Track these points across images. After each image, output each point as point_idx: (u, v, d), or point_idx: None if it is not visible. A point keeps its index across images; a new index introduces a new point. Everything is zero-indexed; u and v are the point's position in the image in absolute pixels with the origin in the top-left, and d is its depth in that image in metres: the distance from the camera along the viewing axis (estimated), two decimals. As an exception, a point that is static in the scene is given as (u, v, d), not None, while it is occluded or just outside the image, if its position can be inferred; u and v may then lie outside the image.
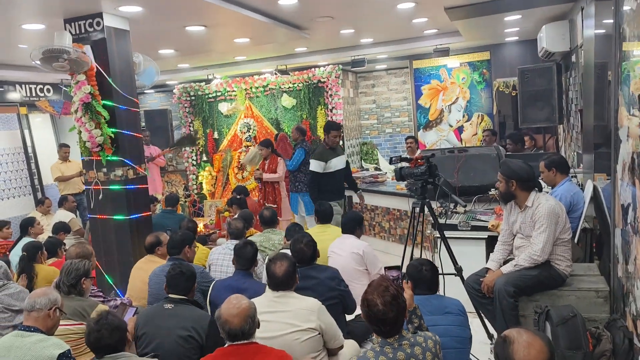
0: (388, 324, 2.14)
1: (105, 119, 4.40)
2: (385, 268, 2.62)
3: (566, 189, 3.98)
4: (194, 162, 9.26)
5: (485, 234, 4.26)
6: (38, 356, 2.52)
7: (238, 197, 6.61)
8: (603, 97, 4.57)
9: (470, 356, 3.02)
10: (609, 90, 3.73)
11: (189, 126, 9.20)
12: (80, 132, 4.46)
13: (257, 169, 7.05)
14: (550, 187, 4.16)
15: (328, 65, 8.38)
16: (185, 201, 8.69)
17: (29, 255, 4.40)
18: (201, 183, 9.15)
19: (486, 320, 3.67)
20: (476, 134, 8.37)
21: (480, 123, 8.36)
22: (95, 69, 4.39)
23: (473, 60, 8.34)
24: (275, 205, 6.67)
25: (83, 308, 3.25)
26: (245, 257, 3.54)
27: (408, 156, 3.84)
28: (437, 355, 2.25)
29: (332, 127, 5.85)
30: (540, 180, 3.84)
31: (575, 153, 6.05)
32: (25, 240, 5.29)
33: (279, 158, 6.78)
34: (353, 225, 4.21)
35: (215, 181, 8.99)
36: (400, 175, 3.83)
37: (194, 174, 9.28)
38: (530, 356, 1.59)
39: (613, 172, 3.43)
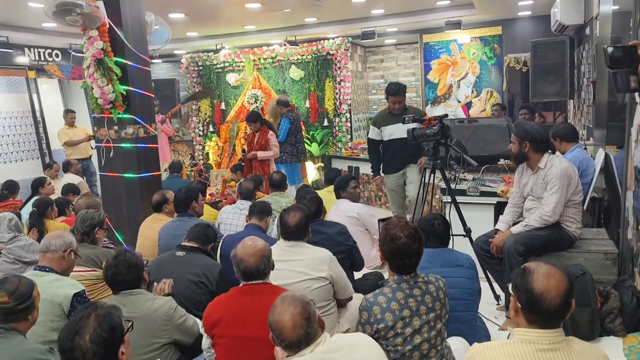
0: (413, 256, 2.20)
1: (117, 75, 4.39)
2: (379, 220, 2.64)
3: (576, 155, 3.99)
4: (201, 133, 9.27)
5: (494, 200, 4.27)
6: (54, 295, 2.56)
7: (242, 163, 6.66)
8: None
9: (485, 325, 3.07)
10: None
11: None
12: (92, 89, 4.45)
13: (243, 151, 6.69)
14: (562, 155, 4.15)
15: (337, 37, 8.33)
16: (192, 170, 8.72)
17: (39, 210, 4.45)
18: (208, 153, 9.17)
19: (493, 282, 3.70)
20: (484, 109, 8.33)
21: (489, 99, 8.32)
22: (107, 25, 4.37)
23: (484, 35, 8.27)
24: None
25: (96, 256, 3.29)
26: (259, 208, 3.59)
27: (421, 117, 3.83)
28: (447, 295, 2.31)
29: (389, 90, 4.91)
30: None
31: (585, 127, 6.03)
32: (36, 199, 5.33)
33: (269, 132, 6.41)
34: (338, 189, 4.36)
35: (221, 152, 9.01)
36: (412, 136, 3.83)
37: (200, 144, 9.29)
38: (550, 285, 1.59)
39: (627, 135, 3.43)
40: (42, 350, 2.03)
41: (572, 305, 1.63)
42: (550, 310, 1.59)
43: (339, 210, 4.22)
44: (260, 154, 6.32)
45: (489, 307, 3.65)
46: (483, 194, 4.33)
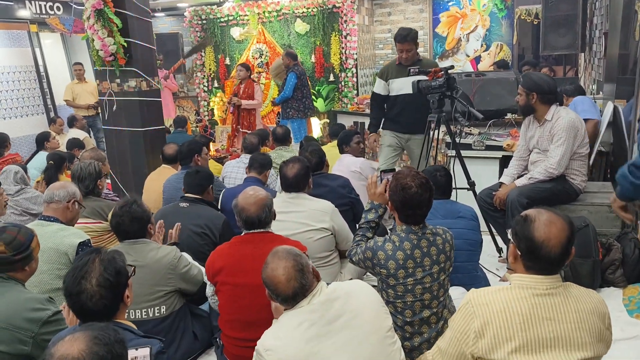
0: (424, 206, 2.20)
1: (117, 27, 4.32)
2: (381, 171, 2.62)
3: (580, 100, 3.96)
4: (205, 89, 9.17)
5: (499, 154, 4.23)
6: (59, 244, 2.59)
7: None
8: (629, 24, 4.42)
9: (485, 274, 3.10)
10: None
11: (201, 51, 9.05)
12: (92, 41, 4.39)
13: (234, 95, 6.62)
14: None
15: (344, -11, 8.09)
16: (197, 127, 8.69)
17: (56, 164, 4.44)
18: (212, 109, 9.11)
19: (496, 235, 3.71)
20: (492, 65, 8.16)
21: (499, 53, 8.13)
22: (107, -26, 4.27)
23: (495, -14, 8.01)
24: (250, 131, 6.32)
25: (101, 208, 3.32)
26: (260, 161, 3.57)
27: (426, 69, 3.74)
28: (452, 248, 2.31)
29: (396, 37, 4.24)
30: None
31: (595, 81, 5.91)
32: (42, 154, 5.35)
33: (255, 84, 6.53)
34: (341, 143, 4.30)
35: (226, 108, 8.93)
36: (417, 87, 3.76)
37: (205, 100, 9.22)
38: (550, 234, 1.57)
39: (637, 87, 3.36)
40: (40, 300, 2.05)
41: (571, 253, 1.62)
42: (550, 258, 1.58)
43: (342, 165, 4.20)
44: (245, 102, 6.40)
45: (490, 259, 3.68)
46: (488, 147, 4.29)
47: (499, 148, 4.23)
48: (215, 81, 9.11)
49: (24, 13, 7.93)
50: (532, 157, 3.50)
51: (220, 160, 6.23)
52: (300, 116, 6.74)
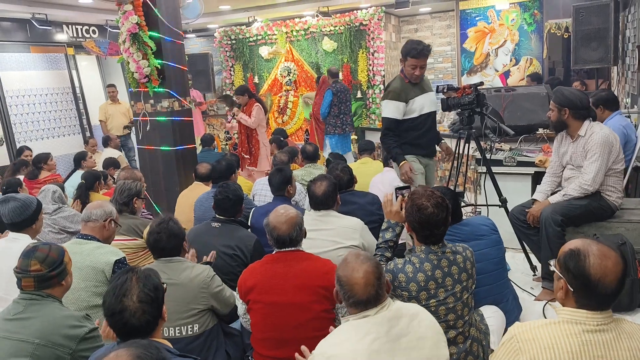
0: (441, 225, 2.17)
1: (151, 49, 4.45)
2: (396, 189, 2.60)
3: (617, 121, 3.84)
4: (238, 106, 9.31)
5: (531, 170, 4.17)
6: (96, 262, 2.65)
7: (277, 137, 6.71)
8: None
9: (512, 284, 3.03)
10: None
11: (230, 70, 9.22)
12: (128, 63, 4.53)
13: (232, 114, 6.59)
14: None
15: (371, 7, 8.17)
16: (227, 144, 8.82)
17: (87, 183, 4.58)
18: (242, 127, 9.23)
19: (529, 253, 3.64)
20: (523, 79, 8.06)
21: (529, 67, 8.05)
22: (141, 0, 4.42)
23: (524, 0, 7.95)
24: (248, 157, 6.42)
25: (136, 225, 3.39)
26: (274, 183, 3.59)
27: (455, 85, 3.72)
28: (474, 265, 2.28)
29: (410, 51, 3.71)
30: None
31: (629, 95, 5.78)
32: (79, 172, 5.51)
33: (255, 104, 6.25)
34: (386, 159, 4.25)
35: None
36: (446, 105, 3.75)
37: (234, 117, 9.35)
38: (607, 269, 1.49)
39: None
40: (78, 317, 2.09)
41: (625, 285, 1.55)
42: (607, 294, 1.51)
43: (384, 179, 4.14)
44: (241, 115, 6.24)
45: (524, 277, 3.62)
46: (520, 164, 4.23)
47: (531, 164, 4.18)
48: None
49: (61, 37, 8.25)
50: (565, 174, 3.44)
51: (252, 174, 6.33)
52: (337, 132, 6.92)
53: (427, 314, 1.85)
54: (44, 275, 2.09)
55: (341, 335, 1.74)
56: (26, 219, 2.92)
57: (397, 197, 2.55)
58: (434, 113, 3.89)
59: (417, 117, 3.79)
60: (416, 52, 3.66)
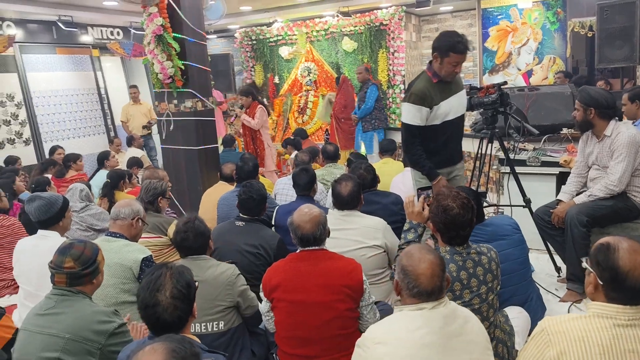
0: (467, 226, 2.17)
1: (175, 50, 4.51)
2: (418, 190, 2.59)
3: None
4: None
5: (556, 170, 4.12)
6: (124, 259, 2.71)
7: (293, 138, 6.77)
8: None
9: (537, 286, 3.01)
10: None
11: (250, 70, 9.29)
12: (152, 64, 4.60)
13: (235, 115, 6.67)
14: (630, 122, 3.95)
15: (391, 6, 8.15)
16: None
17: (112, 182, 4.67)
18: (262, 127, 9.29)
19: (554, 253, 3.61)
20: (546, 77, 7.96)
21: (552, 66, 7.93)
22: (166, 2, 4.48)
23: (547, -1, 7.85)
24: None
25: (161, 223, 3.46)
26: (301, 183, 3.61)
27: (478, 85, 3.69)
28: (499, 266, 2.27)
29: (455, 47, 3.12)
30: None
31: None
32: (103, 172, 5.62)
33: (259, 106, 6.34)
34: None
35: (275, 125, 9.11)
36: (469, 104, 3.72)
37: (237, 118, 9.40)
38: (636, 262, 1.51)
39: None
40: (107, 313, 2.14)
41: None
42: (636, 288, 1.51)
43: (405, 178, 4.10)
44: (243, 116, 6.34)
45: (549, 279, 3.58)
46: (544, 164, 4.19)
47: (556, 164, 4.13)
48: (265, 99, 9.31)
49: (86, 38, 8.40)
50: (591, 174, 3.40)
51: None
52: (383, 125, 7.33)
53: (477, 320, 1.83)
54: (77, 273, 2.14)
55: (394, 324, 1.73)
56: (52, 217, 2.98)
57: (419, 197, 2.55)
58: (460, 117, 3.42)
59: (439, 124, 3.29)
60: (462, 46, 3.13)
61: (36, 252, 2.90)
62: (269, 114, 6.65)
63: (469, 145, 5.92)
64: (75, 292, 2.16)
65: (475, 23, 8.70)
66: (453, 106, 3.30)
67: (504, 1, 8.13)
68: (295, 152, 6.50)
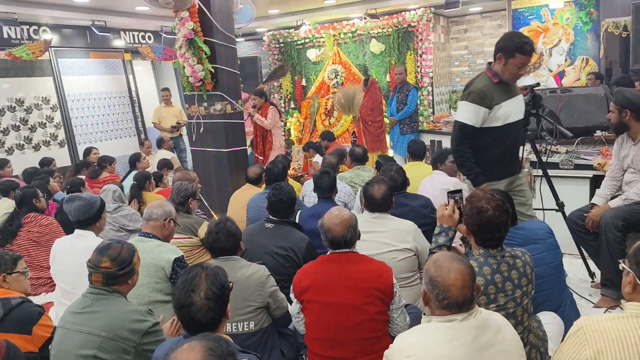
0: (502, 229, 2.14)
1: (206, 54, 4.58)
2: (448, 193, 2.56)
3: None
4: (282, 109, 9.45)
5: (589, 173, 4.04)
6: (157, 259, 2.76)
7: (315, 142, 6.81)
8: None
9: (570, 291, 2.95)
10: None
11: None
12: (183, 68, 4.68)
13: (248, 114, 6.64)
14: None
15: (419, 8, 8.10)
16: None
17: (139, 183, 4.78)
18: (289, 129, 9.35)
19: (588, 258, 3.53)
20: (579, 79, 7.81)
21: (585, 67, 7.78)
22: (197, 6, 4.56)
23: (579, -1, 7.71)
24: (262, 158, 6.49)
25: (191, 224, 3.51)
26: (322, 186, 3.62)
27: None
28: (533, 270, 2.23)
29: (522, 47, 2.99)
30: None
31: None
32: (135, 174, 5.74)
33: (270, 107, 6.43)
34: (436, 161, 4.20)
35: (303, 127, 9.15)
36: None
37: (282, 120, 9.48)
38: None
39: None
40: (141, 312, 2.18)
41: None
42: None
43: (433, 182, 4.09)
44: (257, 116, 6.40)
45: (582, 284, 3.51)
46: (577, 167, 4.11)
47: (589, 167, 4.05)
48: (292, 102, 9.37)
49: (119, 43, 8.59)
50: (626, 177, 3.32)
51: (297, 179, 6.40)
52: (419, 128, 7.60)
53: (511, 328, 1.78)
54: (113, 273, 2.19)
55: (423, 336, 1.69)
56: (90, 217, 3.05)
57: (449, 200, 2.53)
58: (521, 122, 3.26)
59: (502, 126, 3.10)
60: (530, 47, 3.01)
61: (73, 251, 2.97)
62: (280, 115, 6.72)
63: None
64: (111, 291, 2.20)
65: (505, 24, 8.58)
66: (513, 109, 3.16)
67: (535, 1, 8.01)
68: (317, 154, 6.56)
